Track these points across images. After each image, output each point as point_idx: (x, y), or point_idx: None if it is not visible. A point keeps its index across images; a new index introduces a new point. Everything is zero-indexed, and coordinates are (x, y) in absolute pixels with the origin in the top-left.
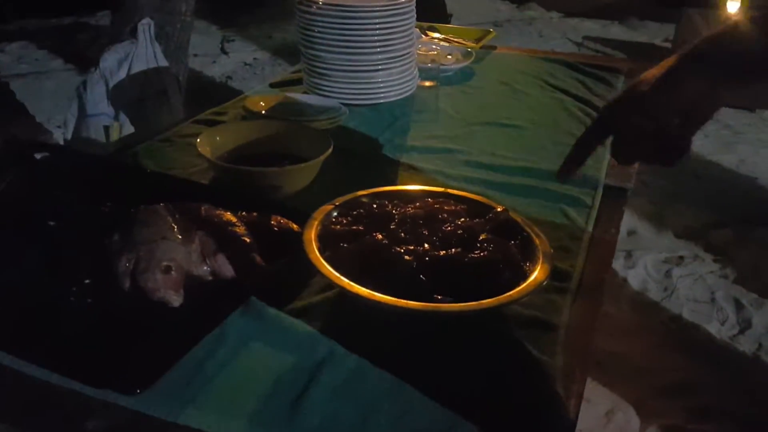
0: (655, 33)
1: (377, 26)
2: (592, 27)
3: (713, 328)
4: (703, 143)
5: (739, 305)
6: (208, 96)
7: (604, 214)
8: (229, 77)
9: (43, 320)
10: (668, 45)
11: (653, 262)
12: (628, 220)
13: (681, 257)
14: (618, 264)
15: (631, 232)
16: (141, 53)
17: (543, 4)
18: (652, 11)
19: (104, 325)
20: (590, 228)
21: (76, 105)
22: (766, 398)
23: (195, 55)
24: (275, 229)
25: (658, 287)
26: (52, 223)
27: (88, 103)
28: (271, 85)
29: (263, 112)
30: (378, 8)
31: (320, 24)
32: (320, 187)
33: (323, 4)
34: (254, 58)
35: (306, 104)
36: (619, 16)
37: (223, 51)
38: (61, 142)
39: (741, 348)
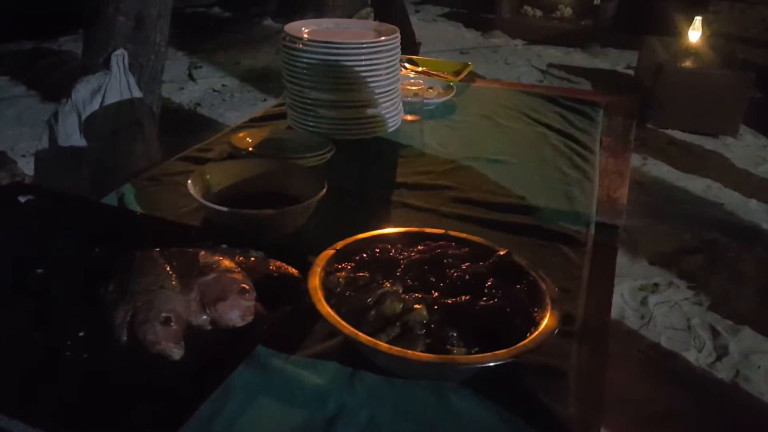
0: (616, 60)
1: (363, 63)
2: (555, 54)
3: (691, 356)
4: (670, 169)
5: (715, 332)
6: (179, 124)
7: (599, 253)
8: (198, 104)
9: (36, 377)
10: (630, 72)
11: (629, 290)
12: None
13: (656, 284)
14: None
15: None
16: (114, 84)
17: (507, 32)
18: (613, 38)
19: (102, 382)
20: (587, 267)
21: (47, 137)
22: (746, 425)
23: (162, 82)
24: (274, 274)
25: (635, 315)
26: (40, 271)
27: (60, 134)
28: (253, 120)
29: (250, 149)
30: (364, 45)
31: (305, 60)
32: (314, 226)
33: (309, 40)
34: (222, 85)
35: (292, 140)
36: (581, 43)
37: (191, 78)
38: (28, 173)
39: (719, 375)
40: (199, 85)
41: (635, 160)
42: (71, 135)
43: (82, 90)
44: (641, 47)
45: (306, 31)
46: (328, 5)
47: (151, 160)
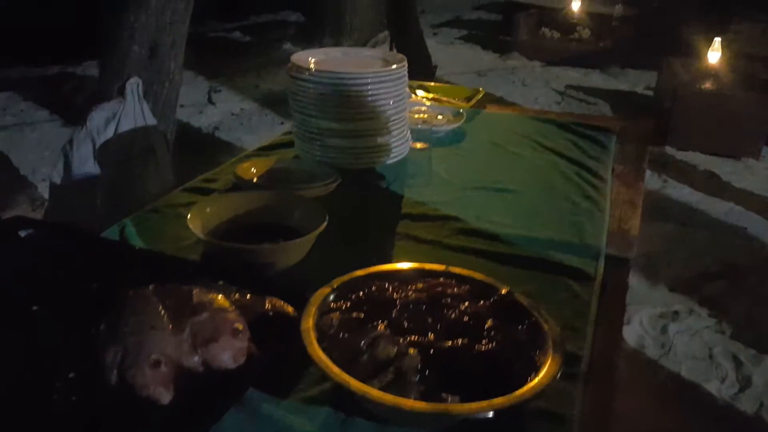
0: (636, 81)
1: (370, 92)
2: (574, 75)
3: (713, 387)
4: (691, 192)
5: (737, 362)
6: (196, 148)
7: (609, 287)
8: (216, 128)
9: (24, 420)
10: (650, 92)
11: (649, 318)
12: None
13: (676, 312)
14: None
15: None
16: (129, 112)
17: (525, 54)
18: (632, 59)
19: (91, 426)
20: (595, 304)
21: (62, 164)
22: None
23: (181, 106)
24: (270, 313)
25: (655, 344)
26: (35, 308)
27: (74, 162)
28: (261, 149)
29: (254, 179)
30: (371, 75)
31: (312, 90)
32: (315, 260)
33: (316, 71)
34: (241, 108)
35: (298, 170)
36: (599, 64)
37: (210, 101)
38: (47, 197)
39: (742, 407)
40: (218, 109)
41: (655, 182)
42: (85, 162)
43: (96, 118)
44: (660, 68)
45: (313, 61)
46: (345, 29)
47: (163, 186)
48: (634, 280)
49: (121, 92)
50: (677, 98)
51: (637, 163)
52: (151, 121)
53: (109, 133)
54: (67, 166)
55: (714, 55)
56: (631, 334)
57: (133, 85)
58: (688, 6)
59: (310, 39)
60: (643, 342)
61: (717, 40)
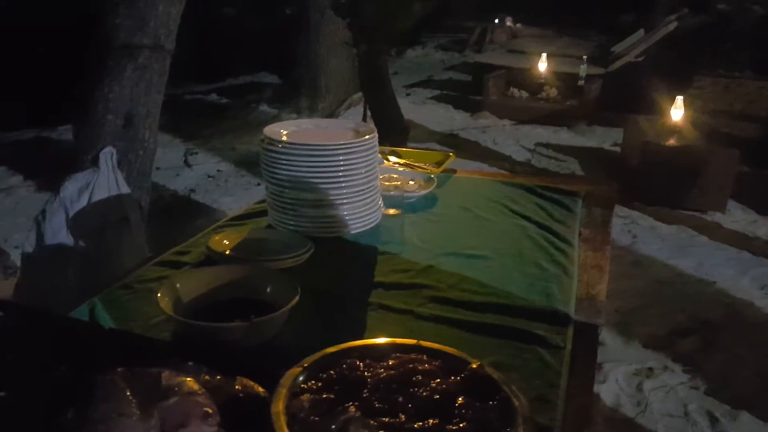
0: (603, 138)
1: (342, 163)
2: (543, 133)
3: None
4: (660, 247)
5: (713, 418)
6: (172, 212)
7: (578, 357)
8: (192, 190)
9: None
10: (617, 149)
11: (624, 375)
12: None
13: (651, 369)
14: None
15: (599, 344)
16: (102, 181)
17: (495, 113)
18: (599, 117)
19: None
20: (566, 372)
21: (35, 234)
22: None
23: (157, 169)
24: (240, 395)
25: (631, 402)
26: (2, 394)
27: (47, 232)
28: (235, 218)
29: (227, 252)
30: (342, 146)
31: (285, 161)
32: (287, 334)
33: (288, 143)
34: (218, 170)
35: (271, 240)
36: (567, 122)
37: (187, 164)
38: (19, 264)
39: None
40: (194, 171)
41: (625, 238)
42: (58, 232)
43: (70, 187)
44: (626, 126)
45: (285, 133)
46: (320, 91)
47: (137, 256)
48: (609, 338)
49: (95, 162)
50: (643, 155)
51: (603, 227)
52: (125, 190)
53: (83, 202)
54: (40, 236)
55: (677, 112)
56: (607, 392)
57: (107, 154)
58: (652, 65)
59: (285, 100)
60: (619, 400)
61: (679, 98)
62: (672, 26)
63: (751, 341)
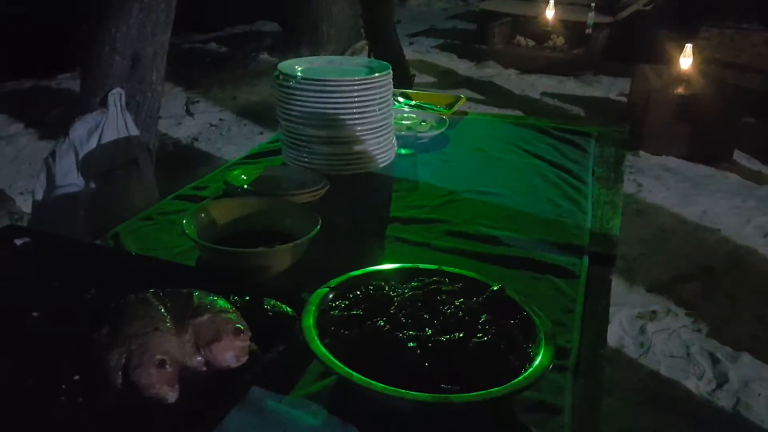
0: (609, 87)
1: (355, 99)
2: (549, 83)
3: (691, 384)
4: (666, 196)
5: (714, 359)
6: (176, 159)
7: (593, 284)
8: (195, 139)
9: (30, 422)
10: (623, 99)
11: (627, 318)
12: None
13: (654, 312)
14: None
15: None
16: (111, 123)
17: (500, 62)
18: (605, 67)
19: (97, 426)
20: (581, 300)
21: (45, 176)
22: None
23: (159, 117)
24: (269, 314)
25: (634, 344)
26: (36, 314)
27: (57, 173)
28: (249, 156)
29: (245, 186)
30: (356, 82)
31: (299, 98)
32: (309, 263)
33: (302, 78)
34: (220, 119)
35: (287, 177)
36: (573, 72)
37: (188, 113)
38: (26, 210)
39: (720, 403)
40: (196, 120)
41: (631, 186)
42: (68, 174)
43: (79, 129)
44: (633, 75)
45: (299, 69)
46: (322, 40)
47: (147, 198)
48: (613, 283)
49: (104, 103)
50: (650, 104)
51: (616, 167)
52: (134, 132)
53: (92, 144)
54: (50, 178)
55: (685, 61)
56: (611, 334)
57: (116, 96)
58: (660, 14)
59: (286, 49)
60: (622, 342)
61: (688, 46)
62: None
63: (752, 287)
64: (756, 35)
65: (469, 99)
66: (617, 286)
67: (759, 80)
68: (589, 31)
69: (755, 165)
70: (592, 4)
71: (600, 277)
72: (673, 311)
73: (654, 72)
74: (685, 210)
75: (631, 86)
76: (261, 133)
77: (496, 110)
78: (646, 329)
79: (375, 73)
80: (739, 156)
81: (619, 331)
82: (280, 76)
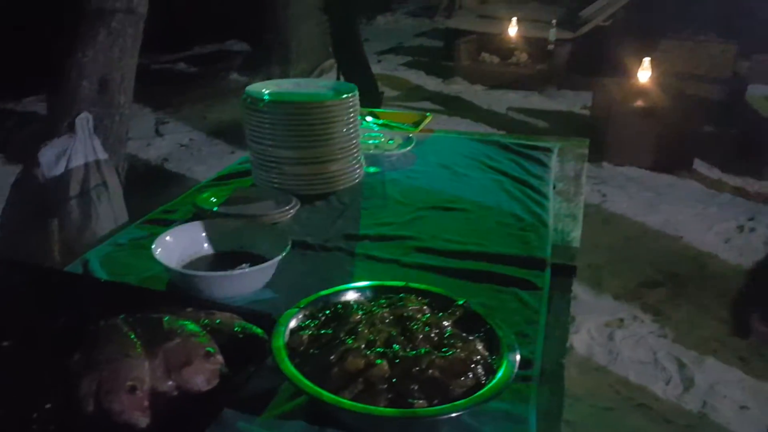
0: (572, 101)
1: (323, 121)
2: (514, 98)
3: (659, 389)
4: (629, 205)
5: (681, 364)
6: (147, 180)
7: (555, 297)
8: (166, 159)
9: None
10: (586, 112)
11: (596, 327)
12: None
13: (621, 319)
14: None
15: (572, 298)
16: (80, 147)
17: (467, 78)
18: (568, 81)
19: None
20: (544, 311)
21: (11, 200)
22: None
23: (129, 139)
24: (240, 336)
25: (603, 351)
26: (6, 344)
27: (25, 198)
28: (218, 178)
29: (215, 209)
30: (324, 104)
31: (267, 120)
32: (279, 284)
33: (270, 101)
34: (190, 139)
35: (257, 197)
36: (537, 86)
37: (158, 133)
38: None
39: (687, 407)
40: (166, 141)
41: (595, 197)
42: (37, 198)
43: (47, 154)
44: (595, 89)
45: (266, 92)
46: (291, 58)
47: (117, 221)
48: (581, 291)
49: (71, 128)
50: (611, 116)
51: (576, 180)
52: (103, 155)
53: (61, 169)
54: (17, 203)
55: (644, 74)
56: (580, 342)
57: (83, 120)
58: (620, 29)
59: (256, 68)
60: (592, 350)
61: (646, 60)
62: None
63: (716, 291)
64: (713, 46)
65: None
66: (585, 296)
67: (717, 90)
68: (551, 47)
69: (715, 173)
70: (554, 21)
71: (562, 288)
72: (639, 318)
73: (615, 85)
74: (649, 218)
75: (593, 100)
76: (232, 152)
77: (464, 125)
78: (614, 336)
79: (342, 95)
80: (699, 165)
81: (587, 340)
82: (248, 100)
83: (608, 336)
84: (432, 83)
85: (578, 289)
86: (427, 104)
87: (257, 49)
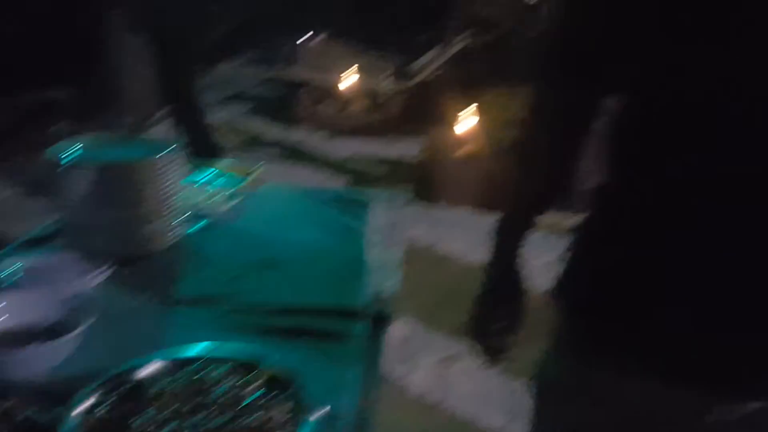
0: (405, 149)
1: (140, 180)
2: (353, 146)
3: (494, 419)
4: (459, 246)
5: (511, 391)
6: None
7: (372, 345)
8: None
9: None
10: (418, 159)
11: (431, 364)
12: (402, 326)
13: (453, 356)
14: (400, 370)
15: (406, 339)
16: None
17: (308, 127)
18: (404, 129)
19: None
20: (358, 362)
21: None
22: None
23: None
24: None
25: (439, 387)
26: None
27: None
28: (26, 242)
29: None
30: (139, 164)
31: (79, 182)
32: (82, 356)
33: (75, 164)
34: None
35: (66, 262)
36: (374, 135)
37: None
38: None
39: None
40: None
41: (427, 239)
42: None
43: None
44: (424, 138)
45: (76, 152)
46: (123, 107)
47: None
48: (415, 331)
49: None
50: (439, 163)
51: (395, 228)
52: None
53: None
54: None
55: (470, 121)
56: (416, 381)
57: None
58: (447, 81)
59: (84, 118)
60: (428, 387)
61: (471, 107)
62: (461, 45)
63: (539, 319)
64: (524, 93)
65: (276, 164)
66: (419, 336)
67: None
68: (386, 96)
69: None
70: (388, 73)
71: (377, 337)
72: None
73: (442, 133)
74: (478, 257)
75: (424, 147)
76: (49, 212)
77: (304, 175)
78: (448, 373)
79: (158, 154)
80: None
81: (423, 377)
82: (52, 162)
83: (443, 372)
84: (273, 131)
85: (412, 329)
86: (267, 152)
87: (86, 97)
